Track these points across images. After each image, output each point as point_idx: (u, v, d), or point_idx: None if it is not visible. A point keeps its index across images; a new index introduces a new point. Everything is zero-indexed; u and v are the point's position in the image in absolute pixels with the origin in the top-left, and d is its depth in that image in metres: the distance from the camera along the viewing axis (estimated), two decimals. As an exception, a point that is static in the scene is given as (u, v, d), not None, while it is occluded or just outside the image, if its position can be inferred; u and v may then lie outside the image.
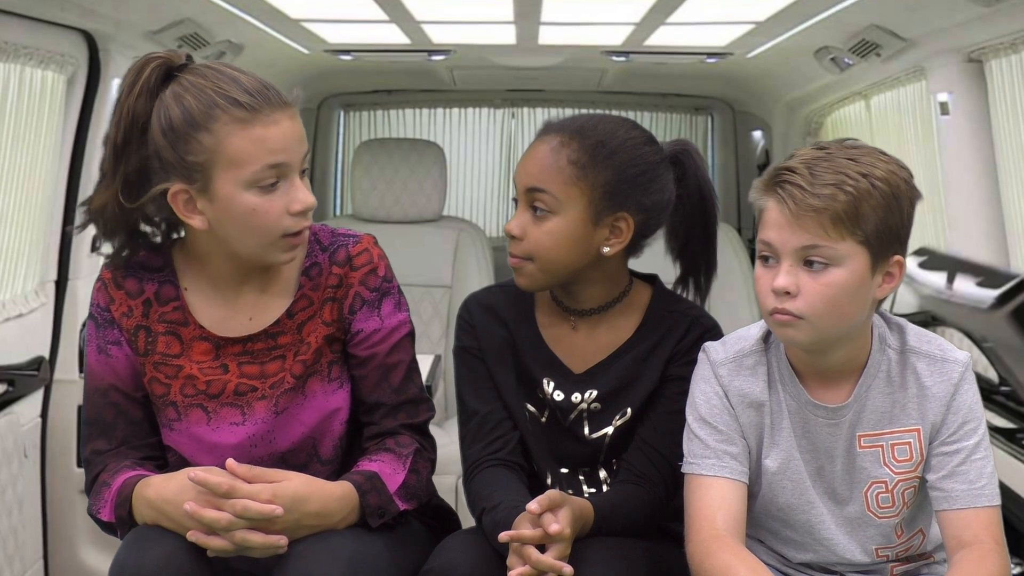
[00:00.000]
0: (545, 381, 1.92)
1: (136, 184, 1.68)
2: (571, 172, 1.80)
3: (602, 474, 1.94)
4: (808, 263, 1.60)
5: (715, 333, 1.89)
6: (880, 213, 1.58)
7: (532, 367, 1.92)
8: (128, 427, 1.82)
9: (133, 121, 1.66)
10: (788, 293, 1.60)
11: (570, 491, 1.90)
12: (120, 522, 1.72)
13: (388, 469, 1.77)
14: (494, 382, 1.92)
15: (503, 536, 1.69)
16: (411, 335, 1.87)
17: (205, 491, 1.61)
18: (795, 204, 1.58)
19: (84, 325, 2.81)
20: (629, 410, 1.90)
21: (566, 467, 1.94)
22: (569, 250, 1.82)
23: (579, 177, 1.80)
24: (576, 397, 1.91)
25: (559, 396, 1.91)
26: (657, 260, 1.97)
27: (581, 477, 1.94)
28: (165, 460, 1.84)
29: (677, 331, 1.89)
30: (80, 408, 2.78)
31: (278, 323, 1.80)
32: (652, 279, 1.97)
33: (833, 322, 1.62)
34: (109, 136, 1.69)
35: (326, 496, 1.69)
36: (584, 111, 4.84)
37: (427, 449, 1.86)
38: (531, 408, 1.93)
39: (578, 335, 1.93)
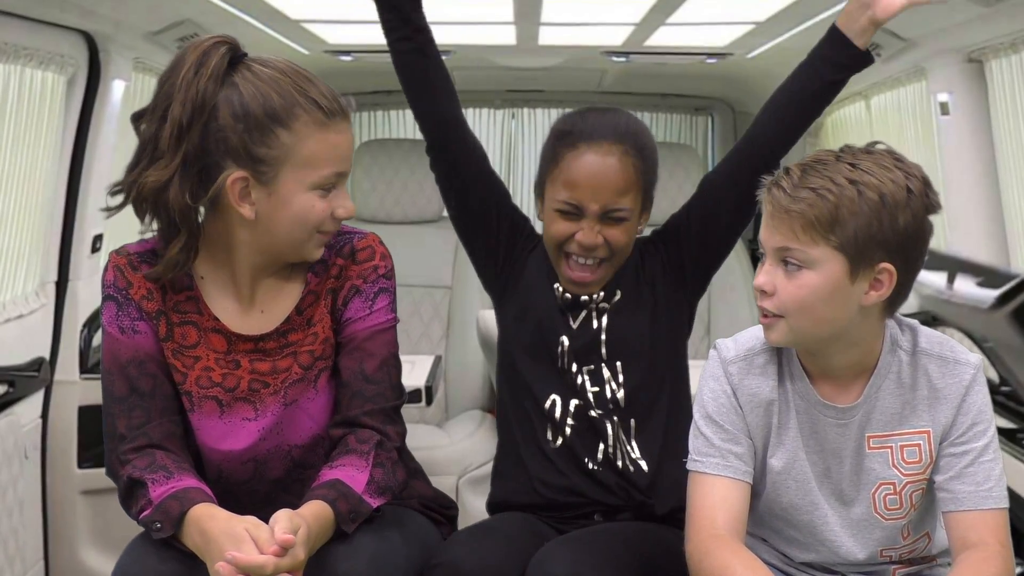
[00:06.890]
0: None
1: (193, 167, 1.68)
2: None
3: (605, 373, 2.01)
4: (785, 263, 1.61)
5: (661, 228, 2.09)
6: (861, 220, 1.56)
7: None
8: (164, 399, 1.77)
9: (202, 103, 1.66)
10: (765, 292, 1.62)
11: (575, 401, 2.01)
12: (149, 525, 1.65)
13: (351, 471, 1.73)
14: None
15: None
16: (396, 338, 1.86)
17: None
18: (772, 205, 1.60)
19: (84, 326, 2.82)
20: (620, 292, 2.05)
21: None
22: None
23: None
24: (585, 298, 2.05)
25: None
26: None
27: (586, 376, 2.02)
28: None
29: (648, 249, 2.10)
30: (80, 409, 2.78)
31: (288, 320, 1.80)
32: None
33: (809, 325, 1.62)
34: (171, 115, 1.66)
35: (313, 517, 1.64)
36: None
37: (390, 438, 1.80)
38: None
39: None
